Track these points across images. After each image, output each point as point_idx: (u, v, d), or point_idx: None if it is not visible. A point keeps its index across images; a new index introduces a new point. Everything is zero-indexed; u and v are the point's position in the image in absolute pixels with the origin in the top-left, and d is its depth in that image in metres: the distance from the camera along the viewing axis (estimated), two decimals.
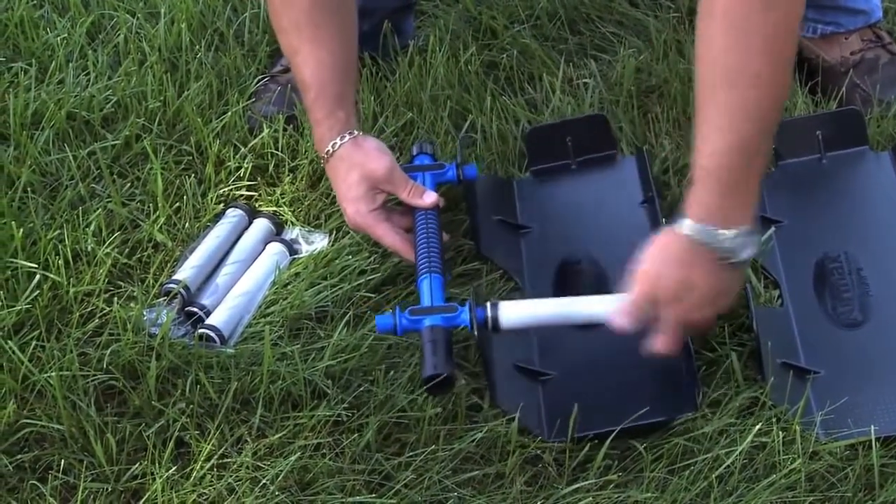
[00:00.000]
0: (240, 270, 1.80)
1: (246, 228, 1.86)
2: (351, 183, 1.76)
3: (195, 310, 1.73)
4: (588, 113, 1.97)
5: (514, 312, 1.61)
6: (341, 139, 1.76)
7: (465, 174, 1.85)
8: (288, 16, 1.76)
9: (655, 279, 1.55)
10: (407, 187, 1.77)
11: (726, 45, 1.47)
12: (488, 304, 1.60)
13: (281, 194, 1.90)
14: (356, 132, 1.78)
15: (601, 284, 1.72)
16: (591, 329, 1.67)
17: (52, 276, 1.74)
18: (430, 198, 1.77)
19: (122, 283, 1.77)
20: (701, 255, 1.53)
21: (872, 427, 1.53)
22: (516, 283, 1.77)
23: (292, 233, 1.85)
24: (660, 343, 1.56)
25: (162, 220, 1.85)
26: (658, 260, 1.55)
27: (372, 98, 2.00)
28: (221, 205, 1.89)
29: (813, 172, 1.89)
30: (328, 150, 1.77)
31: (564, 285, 1.76)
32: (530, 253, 1.82)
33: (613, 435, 1.53)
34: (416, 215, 1.78)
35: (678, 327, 1.56)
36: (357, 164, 1.76)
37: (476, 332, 1.60)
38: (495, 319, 1.59)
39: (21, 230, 1.77)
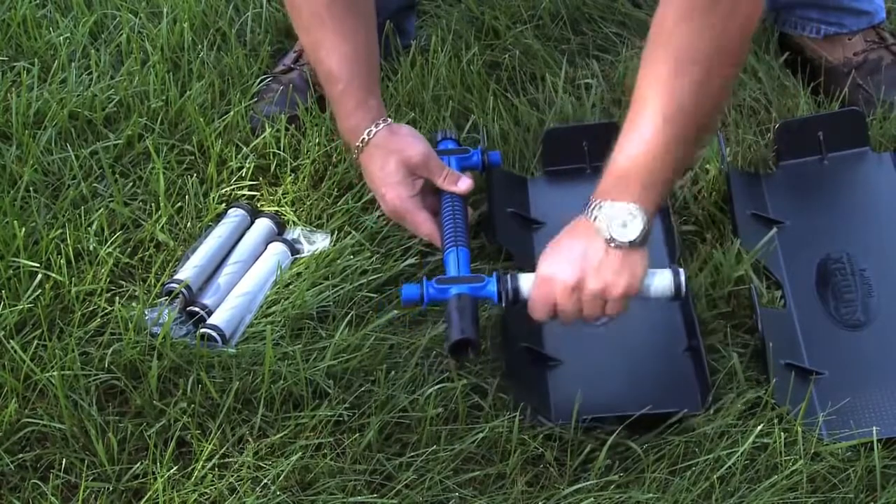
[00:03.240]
0: (241, 270, 1.80)
1: (248, 228, 1.86)
2: (389, 170, 1.77)
3: (197, 309, 1.73)
4: (607, 120, 1.97)
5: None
6: (376, 126, 1.78)
7: (489, 160, 1.86)
8: (308, 9, 1.76)
9: (552, 276, 1.56)
10: (443, 173, 1.79)
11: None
12: (508, 276, 1.61)
13: (283, 194, 1.90)
14: (389, 120, 1.79)
15: None
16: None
17: (53, 275, 1.74)
18: (464, 184, 1.79)
19: (123, 282, 1.77)
20: (586, 230, 1.55)
21: (875, 428, 1.53)
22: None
23: (294, 233, 1.85)
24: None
25: (164, 219, 1.85)
26: (557, 255, 1.57)
27: None
28: (223, 205, 1.89)
29: (814, 173, 1.89)
30: (363, 139, 1.78)
31: None
32: (541, 248, 1.82)
33: (620, 428, 1.54)
34: (442, 196, 1.79)
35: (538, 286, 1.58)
36: (395, 151, 1.77)
37: (504, 304, 1.61)
38: (516, 290, 1.60)
39: (23, 229, 1.77)
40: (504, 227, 1.82)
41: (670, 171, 1.55)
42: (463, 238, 1.72)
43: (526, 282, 1.61)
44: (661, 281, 1.58)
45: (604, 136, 1.89)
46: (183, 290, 1.73)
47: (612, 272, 1.53)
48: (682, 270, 1.59)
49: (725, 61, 1.51)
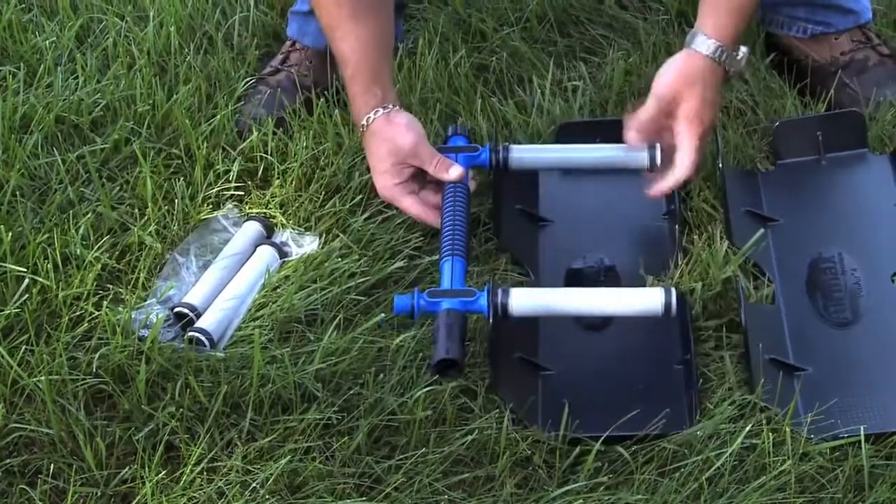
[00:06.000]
0: (230, 273, 1.79)
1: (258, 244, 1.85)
2: (381, 156, 1.80)
3: (185, 311, 1.72)
4: (621, 116, 1.96)
5: (525, 300, 1.62)
6: (375, 114, 1.80)
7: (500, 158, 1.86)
8: None
9: (676, 94, 1.74)
10: (433, 161, 1.81)
11: None
12: (499, 291, 1.60)
13: (271, 197, 1.90)
14: (391, 107, 1.81)
15: (613, 287, 1.73)
16: (597, 330, 1.67)
17: (40, 279, 1.73)
18: (455, 171, 1.80)
19: (111, 286, 1.77)
20: (716, 74, 1.76)
21: (862, 427, 1.53)
22: (525, 276, 1.77)
23: (283, 235, 1.85)
24: (685, 167, 1.75)
25: (151, 223, 1.85)
26: (680, 79, 1.75)
27: None
28: (210, 207, 1.89)
29: (811, 173, 1.89)
30: (363, 124, 1.81)
31: (575, 283, 1.76)
32: (546, 246, 1.82)
33: (603, 438, 1.54)
34: (444, 191, 1.80)
35: (701, 147, 1.75)
36: (386, 139, 1.80)
37: (493, 319, 1.60)
38: (505, 306, 1.59)
39: (10, 234, 1.77)
40: (509, 230, 1.82)
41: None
42: (460, 247, 1.71)
43: (517, 296, 1.60)
44: (652, 298, 1.58)
45: (619, 132, 1.88)
46: (192, 315, 1.72)
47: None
48: (673, 290, 1.60)
49: None
